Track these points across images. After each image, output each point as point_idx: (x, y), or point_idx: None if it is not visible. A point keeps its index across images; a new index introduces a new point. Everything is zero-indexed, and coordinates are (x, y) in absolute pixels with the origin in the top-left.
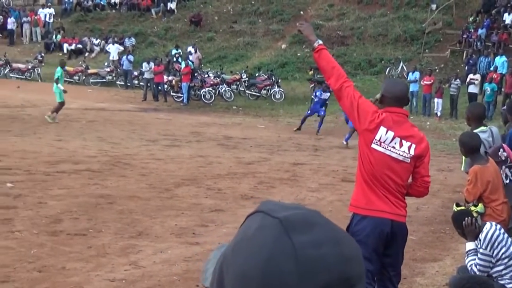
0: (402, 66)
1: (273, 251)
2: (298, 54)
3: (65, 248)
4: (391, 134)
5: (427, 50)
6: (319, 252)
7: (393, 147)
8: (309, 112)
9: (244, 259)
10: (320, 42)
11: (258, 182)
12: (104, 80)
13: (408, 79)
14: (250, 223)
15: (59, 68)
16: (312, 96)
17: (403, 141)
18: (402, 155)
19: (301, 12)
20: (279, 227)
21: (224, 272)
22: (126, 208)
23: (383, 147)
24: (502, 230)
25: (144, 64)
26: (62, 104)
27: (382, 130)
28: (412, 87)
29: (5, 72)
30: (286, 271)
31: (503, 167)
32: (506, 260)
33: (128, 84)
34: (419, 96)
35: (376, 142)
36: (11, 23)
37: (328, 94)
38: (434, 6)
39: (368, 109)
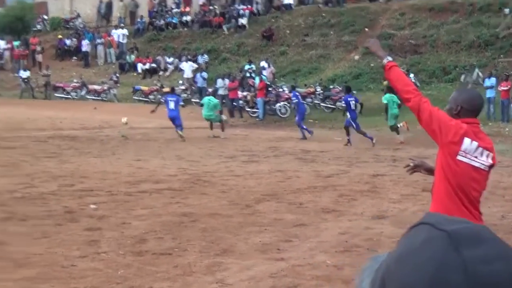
0: (477, 72)
1: (441, 264)
2: (372, 65)
3: (151, 268)
4: (475, 144)
5: (502, 55)
6: (490, 268)
7: (476, 157)
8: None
9: (410, 271)
10: (390, 58)
11: (339, 195)
12: None
13: (485, 85)
14: (415, 235)
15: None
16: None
17: (484, 151)
18: (483, 164)
19: (366, 29)
20: (447, 241)
21: (386, 284)
22: (209, 225)
23: (468, 158)
24: None
25: (219, 81)
26: None
27: (467, 141)
28: (489, 93)
29: (82, 93)
30: (454, 285)
31: None
32: None
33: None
34: (497, 102)
35: (462, 153)
36: (85, 45)
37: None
38: (507, 11)
39: (449, 122)
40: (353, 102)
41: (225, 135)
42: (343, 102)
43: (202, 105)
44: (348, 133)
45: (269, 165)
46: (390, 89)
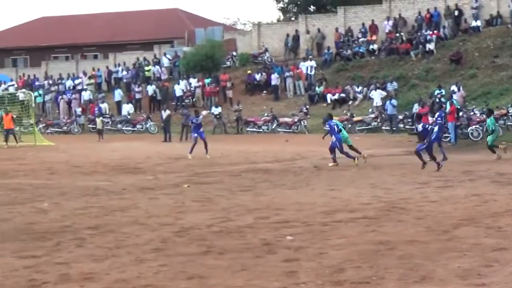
0: None
1: None
2: None
3: None
4: None
5: None
6: None
7: None
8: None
9: None
10: None
11: None
12: (370, 127)
13: None
14: None
15: None
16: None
17: None
18: None
19: None
20: None
21: None
22: (406, 253)
23: None
24: None
25: (416, 106)
26: None
27: None
28: None
29: (273, 127)
30: None
31: None
32: None
33: (394, 128)
34: None
35: None
36: (274, 79)
37: None
38: None
39: None
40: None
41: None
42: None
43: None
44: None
45: (465, 190)
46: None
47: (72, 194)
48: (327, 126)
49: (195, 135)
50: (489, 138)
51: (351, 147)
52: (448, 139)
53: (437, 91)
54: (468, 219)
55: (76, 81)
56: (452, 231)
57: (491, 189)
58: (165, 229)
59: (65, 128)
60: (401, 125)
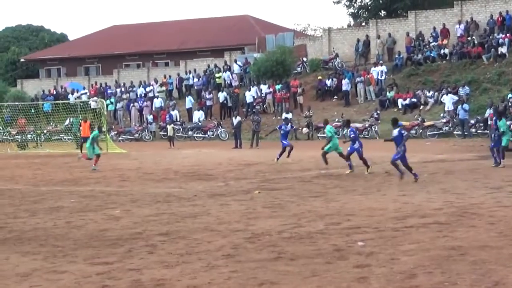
0: None
1: None
2: None
3: None
4: None
5: None
6: None
7: None
8: None
9: None
10: None
11: None
12: (441, 132)
13: None
14: None
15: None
16: None
17: None
18: None
19: None
20: None
21: None
22: (479, 258)
23: None
24: None
25: (488, 111)
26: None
27: None
28: None
29: (343, 133)
30: None
31: None
32: None
33: (466, 133)
34: None
35: None
36: (345, 84)
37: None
38: None
39: None
40: None
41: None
42: None
43: None
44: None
45: None
46: None
47: (144, 201)
48: (351, 133)
49: (285, 142)
50: (504, 140)
51: (340, 154)
52: None
53: (509, 95)
54: None
55: (148, 89)
56: None
57: None
58: (236, 235)
59: (136, 135)
60: (473, 130)
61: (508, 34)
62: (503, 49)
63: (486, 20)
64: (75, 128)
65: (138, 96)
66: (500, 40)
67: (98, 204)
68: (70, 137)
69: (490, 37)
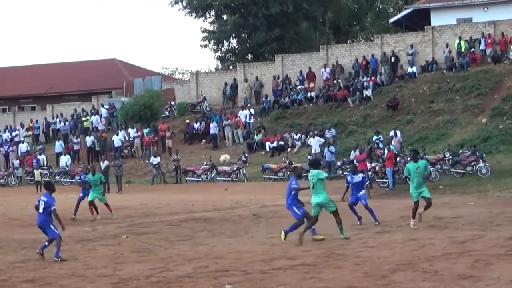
0: None
1: None
2: (500, 127)
3: None
4: None
5: None
6: None
7: None
8: None
9: None
10: None
11: (475, 260)
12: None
13: None
14: None
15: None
16: None
17: None
18: None
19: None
20: None
21: None
22: None
23: None
24: None
25: (353, 153)
26: None
27: None
28: None
29: (212, 176)
30: None
31: None
32: None
33: (333, 174)
34: None
35: None
36: (213, 128)
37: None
38: None
39: None
40: None
41: None
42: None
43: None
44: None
45: (402, 234)
46: None
47: (9, 247)
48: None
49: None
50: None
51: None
52: (386, 184)
53: (375, 137)
54: (405, 264)
55: (13, 133)
56: (390, 276)
57: (429, 234)
58: (103, 280)
59: (2, 180)
60: (340, 172)
61: (372, 77)
62: (367, 92)
63: (351, 64)
64: None
65: (4, 140)
66: (365, 83)
67: None
68: None
69: (355, 80)
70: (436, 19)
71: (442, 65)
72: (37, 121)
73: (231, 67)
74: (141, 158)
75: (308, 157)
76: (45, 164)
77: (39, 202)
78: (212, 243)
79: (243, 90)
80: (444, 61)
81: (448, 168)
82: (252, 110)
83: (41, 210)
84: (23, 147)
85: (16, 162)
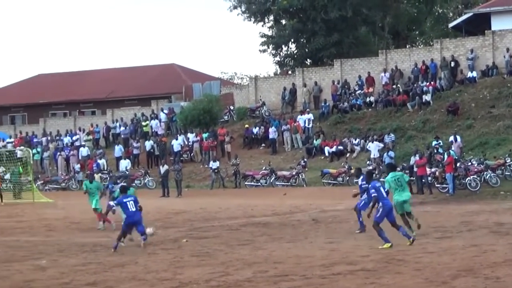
0: None
1: None
2: None
3: None
4: None
5: None
6: None
7: None
8: None
9: None
10: None
11: None
12: None
13: None
14: None
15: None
16: None
17: None
18: None
19: None
20: None
21: None
22: None
23: None
24: None
25: (412, 158)
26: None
27: None
28: None
29: (271, 180)
30: None
31: None
32: None
33: None
34: None
35: None
36: (272, 133)
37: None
38: None
39: None
40: None
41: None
42: None
43: None
44: None
45: (463, 240)
46: None
47: (71, 250)
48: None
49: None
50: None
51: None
52: (446, 189)
53: (434, 142)
54: (466, 270)
55: (74, 138)
56: (451, 282)
57: (490, 240)
58: (164, 284)
59: (63, 184)
60: None
61: (432, 82)
62: (427, 97)
63: (411, 69)
64: (14, 177)
65: (65, 145)
66: (424, 88)
67: (24, 254)
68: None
69: (415, 85)
70: (497, 23)
71: (502, 69)
72: (97, 125)
73: (290, 72)
74: (200, 163)
75: (367, 162)
76: (105, 168)
77: (123, 203)
78: (271, 248)
79: (302, 95)
80: (504, 66)
81: (509, 173)
82: (311, 115)
83: (133, 209)
84: (83, 151)
85: (77, 166)
